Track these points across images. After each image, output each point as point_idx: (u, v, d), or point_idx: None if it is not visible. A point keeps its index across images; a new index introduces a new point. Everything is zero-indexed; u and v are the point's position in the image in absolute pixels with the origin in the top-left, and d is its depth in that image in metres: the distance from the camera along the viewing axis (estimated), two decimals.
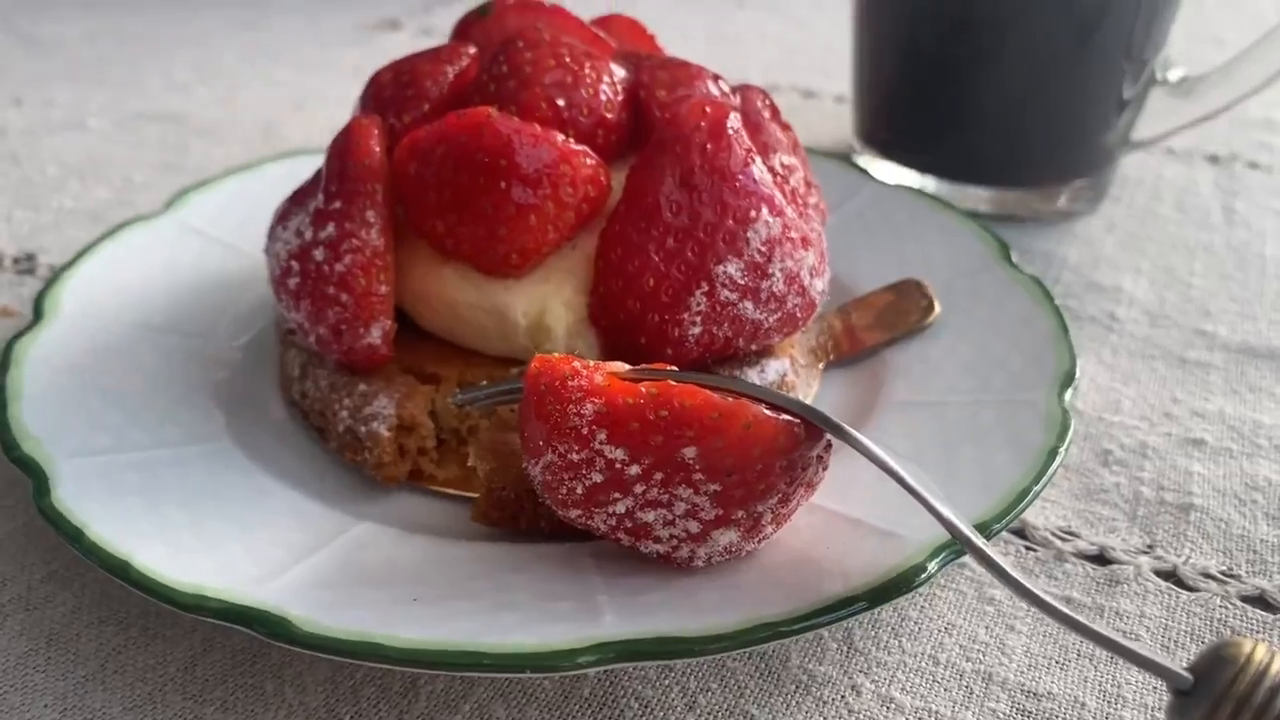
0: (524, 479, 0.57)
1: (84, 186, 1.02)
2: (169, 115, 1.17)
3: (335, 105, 1.18)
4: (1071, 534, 0.64)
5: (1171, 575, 0.62)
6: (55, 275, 0.75)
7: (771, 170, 0.65)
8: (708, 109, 0.61)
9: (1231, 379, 0.77)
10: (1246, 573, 0.62)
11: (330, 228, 0.62)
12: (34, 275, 0.88)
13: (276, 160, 0.90)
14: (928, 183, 0.96)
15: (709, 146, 0.61)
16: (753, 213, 0.61)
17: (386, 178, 0.63)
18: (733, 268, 0.61)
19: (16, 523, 0.65)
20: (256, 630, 0.50)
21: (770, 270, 0.62)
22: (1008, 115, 0.92)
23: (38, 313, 0.71)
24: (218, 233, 0.83)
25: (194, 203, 0.85)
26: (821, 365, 0.73)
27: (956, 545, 0.54)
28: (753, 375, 0.65)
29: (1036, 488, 0.57)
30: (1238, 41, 0.91)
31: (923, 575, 0.52)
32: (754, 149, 0.62)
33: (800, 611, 0.50)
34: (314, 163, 0.76)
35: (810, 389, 0.71)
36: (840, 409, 0.68)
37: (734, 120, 0.62)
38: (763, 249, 0.61)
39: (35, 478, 0.58)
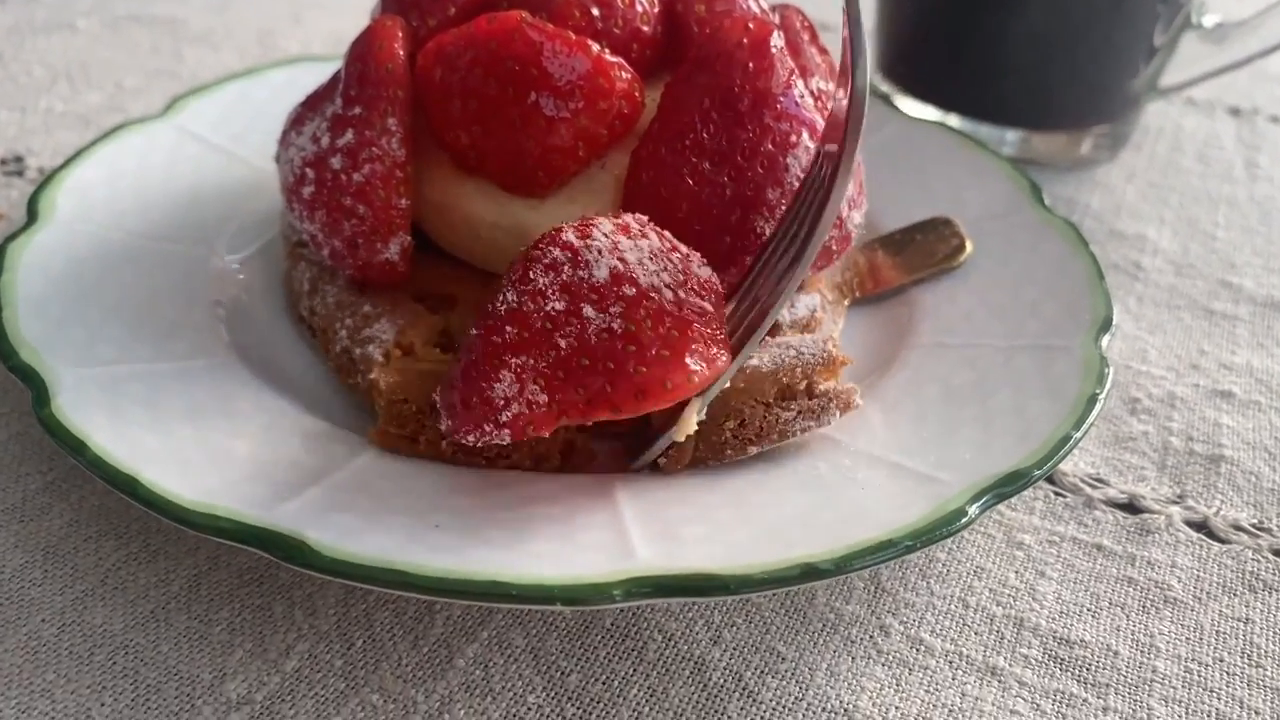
0: (427, 392, 0.54)
1: (73, 89, 0.98)
2: (161, 20, 1.12)
3: (335, 17, 1.13)
4: (1101, 481, 0.63)
5: (1203, 526, 0.61)
6: (50, 176, 0.71)
7: (813, 94, 0.62)
8: (750, 25, 0.58)
9: (1258, 333, 0.76)
10: (1278, 526, 0.61)
11: (349, 134, 0.59)
12: (23, 178, 0.84)
13: (279, 66, 0.86)
14: (948, 121, 0.94)
15: (751, 65, 0.58)
16: (793, 138, 0.59)
17: (409, 84, 0.60)
18: (770, 195, 0.58)
19: (10, 432, 0.62)
20: (273, 553, 0.48)
21: None
22: (1035, 54, 0.90)
23: (31, 214, 0.67)
24: (219, 140, 0.79)
25: (194, 108, 0.81)
26: (847, 302, 0.71)
27: (997, 489, 0.52)
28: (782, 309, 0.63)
29: (1077, 434, 0.56)
30: None
31: (963, 519, 0.51)
32: (796, 70, 0.60)
33: (840, 553, 0.49)
34: (319, 70, 0.72)
35: (836, 326, 0.68)
36: (867, 348, 0.66)
37: (777, 39, 0.59)
38: (801, 177, 0.59)
39: (34, 387, 0.55)
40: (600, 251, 0.52)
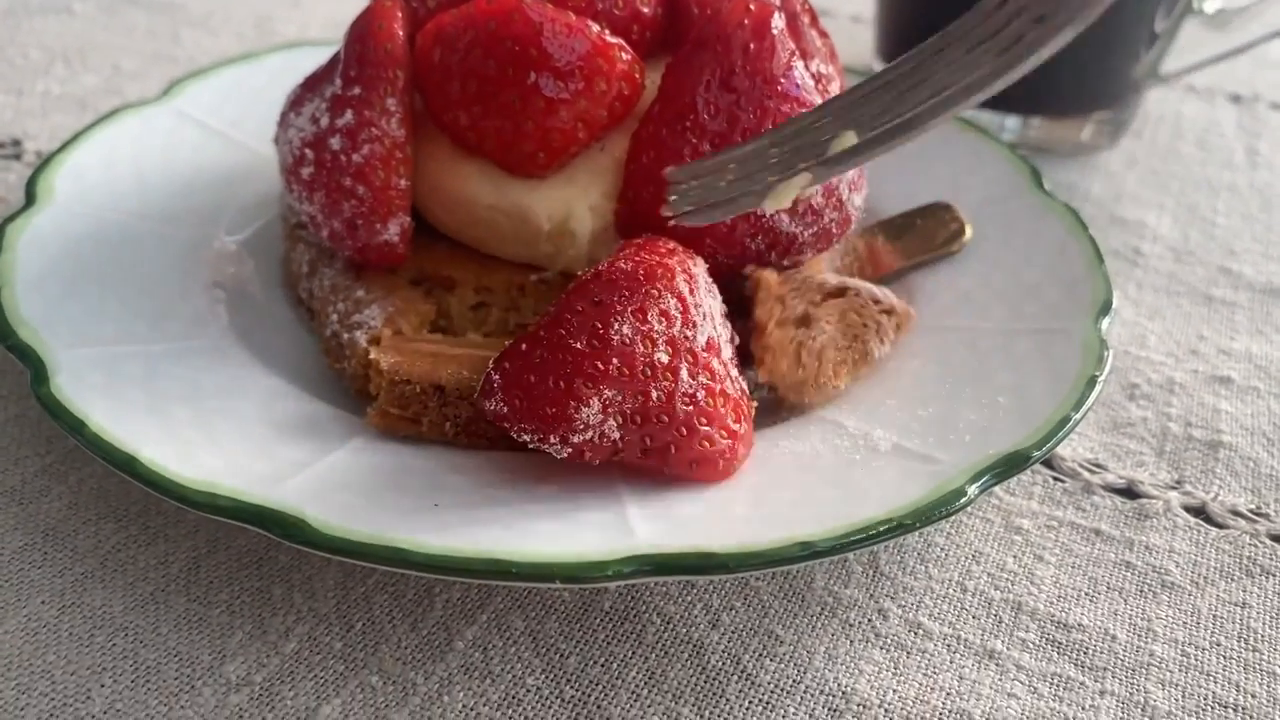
0: (431, 373, 0.54)
1: (70, 72, 0.98)
2: (159, 3, 1.11)
3: (333, 1, 1.13)
4: (1099, 466, 0.63)
5: (1200, 512, 0.61)
6: (48, 159, 0.71)
7: (813, 76, 0.62)
8: (751, 7, 0.58)
9: (1257, 319, 0.76)
10: (1275, 511, 0.61)
11: (348, 115, 0.59)
12: (20, 161, 0.84)
13: (277, 51, 0.86)
14: None
15: (751, 47, 0.58)
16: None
17: (408, 65, 0.60)
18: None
19: (9, 414, 0.62)
20: (272, 531, 0.48)
21: None
22: None
23: (30, 196, 0.67)
24: (217, 124, 0.79)
25: (192, 91, 0.81)
26: None
27: (997, 470, 0.52)
28: None
29: (1076, 416, 0.55)
30: None
31: (962, 499, 0.51)
32: (796, 52, 0.59)
33: (839, 532, 0.49)
34: (317, 54, 0.72)
35: None
36: None
37: (778, 21, 0.59)
38: None
39: (33, 366, 0.55)
40: (704, 315, 0.53)
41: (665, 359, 0.51)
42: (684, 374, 0.51)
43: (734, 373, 0.55)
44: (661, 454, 0.52)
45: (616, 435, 0.51)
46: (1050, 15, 0.48)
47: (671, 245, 0.54)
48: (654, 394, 0.51)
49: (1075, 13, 0.48)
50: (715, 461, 0.52)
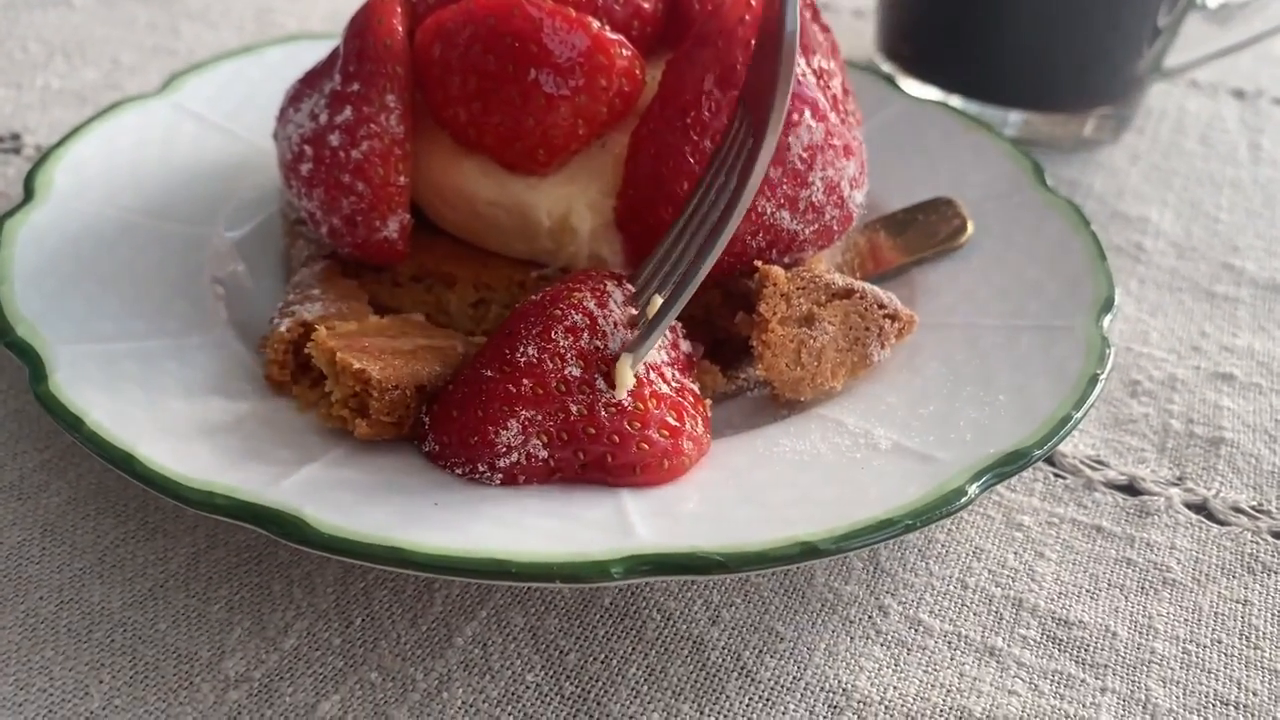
0: (416, 373, 0.54)
1: (70, 66, 0.97)
2: None
3: None
4: (1100, 463, 0.63)
5: (1202, 508, 0.61)
6: (46, 153, 0.70)
7: (815, 73, 0.62)
8: (752, 2, 0.58)
9: (1259, 315, 0.76)
10: (1277, 508, 0.61)
11: (347, 111, 0.58)
12: (20, 155, 0.84)
13: (276, 44, 0.86)
14: (951, 101, 0.93)
15: (752, 43, 0.58)
16: (795, 116, 0.58)
17: (408, 61, 0.59)
18: (771, 174, 0.58)
19: (7, 410, 0.62)
20: (270, 530, 0.48)
21: (810, 179, 0.59)
22: (1039, 35, 0.89)
23: (28, 191, 0.67)
24: (216, 118, 0.78)
25: (190, 85, 0.80)
26: None
27: (998, 469, 0.52)
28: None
29: (1078, 414, 0.55)
30: None
31: (963, 499, 0.50)
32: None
33: (839, 532, 0.48)
34: (315, 48, 0.72)
35: None
36: None
37: None
38: (804, 155, 0.58)
39: (31, 363, 0.55)
40: (615, 325, 0.53)
41: (577, 372, 0.52)
42: (600, 384, 0.52)
43: (671, 373, 0.55)
44: (599, 465, 0.52)
45: (544, 454, 0.52)
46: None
47: (588, 272, 0.56)
48: (573, 409, 0.52)
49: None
50: (659, 462, 0.52)
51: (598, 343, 0.53)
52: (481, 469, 0.52)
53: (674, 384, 0.55)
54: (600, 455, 0.52)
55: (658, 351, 0.55)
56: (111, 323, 0.59)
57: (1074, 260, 0.67)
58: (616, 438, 0.52)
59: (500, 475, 0.52)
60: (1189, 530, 0.59)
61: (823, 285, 0.59)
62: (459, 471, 0.52)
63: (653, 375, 0.54)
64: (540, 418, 0.52)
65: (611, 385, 0.52)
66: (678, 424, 0.53)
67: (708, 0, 0.62)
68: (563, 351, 0.52)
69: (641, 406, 0.52)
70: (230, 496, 0.49)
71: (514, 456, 0.52)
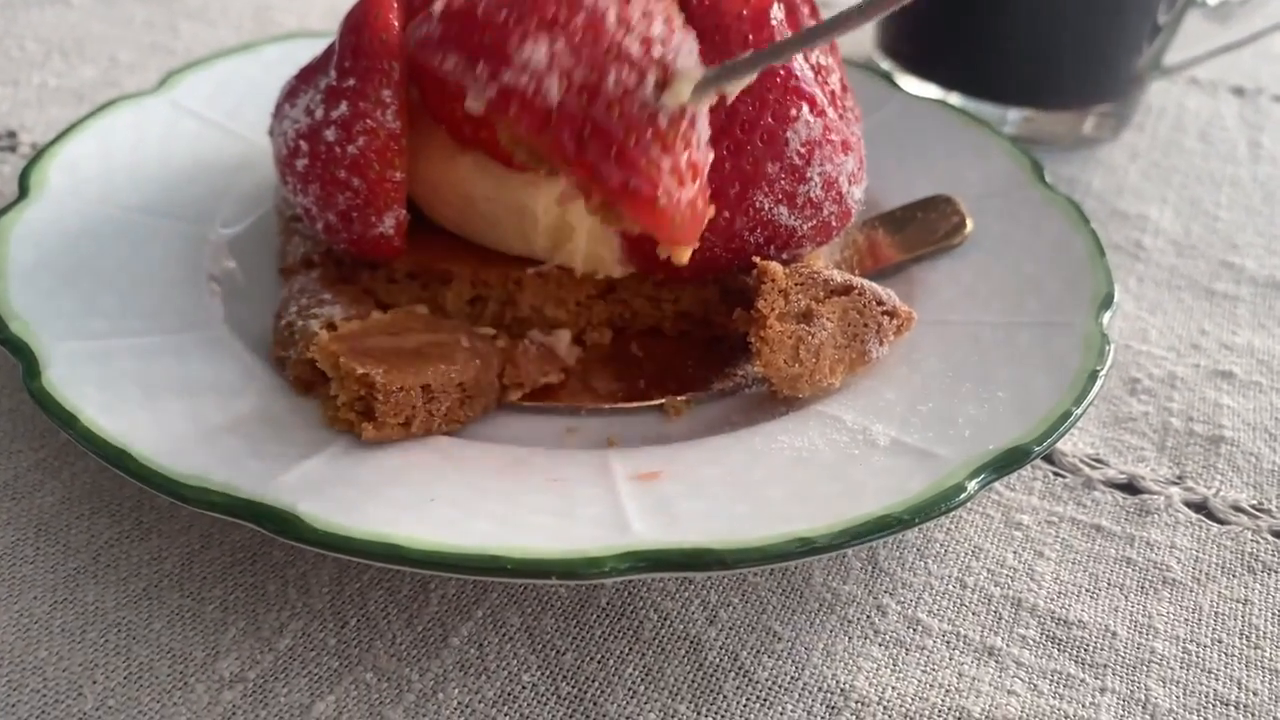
0: (421, 372, 0.54)
1: (68, 64, 0.97)
2: None
3: None
4: (1100, 462, 0.63)
5: (1202, 507, 0.60)
6: (42, 151, 0.70)
7: (813, 68, 0.62)
8: None
9: (1259, 313, 0.76)
10: (1277, 507, 0.60)
11: (343, 106, 0.58)
12: (15, 153, 0.83)
13: (274, 42, 0.85)
14: (950, 99, 0.93)
15: (750, 38, 0.57)
16: (793, 111, 0.58)
17: (404, 56, 0.59)
18: (769, 169, 0.58)
19: (1, 407, 0.61)
20: (265, 527, 0.47)
21: (808, 174, 0.59)
22: (1038, 32, 0.89)
23: (23, 189, 0.67)
24: (213, 115, 0.78)
25: (187, 83, 0.80)
26: None
27: (997, 466, 0.52)
28: None
29: (1077, 410, 0.55)
30: None
31: (962, 495, 0.50)
32: None
33: (837, 528, 0.48)
34: (315, 45, 0.71)
35: None
36: None
37: (777, 11, 0.58)
38: (802, 151, 0.58)
39: (25, 360, 0.54)
40: (691, 47, 0.47)
41: (637, 51, 0.45)
42: (649, 81, 0.45)
43: (702, 154, 0.48)
44: (600, 152, 0.45)
45: (554, 99, 0.45)
46: None
47: None
48: (611, 80, 0.45)
49: None
50: (652, 197, 0.45)
51: (668, 48, 0.46)
52: (478, 72, 0.45)
53: (704, 158, 0.48)
54: (606, 145, 0.45)
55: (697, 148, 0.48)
56: (106, 320, 0.59)
57: (1073, 257, 0.67)
58: (634, 138, 0.45)
59: (491, 94, 0.45)
60: (1189, 529, 0.59)
61: (821, 282, 0.59)
62: (448, 66, 0.46)
63: (697, 128, 0.47)
64: (573, 63, 0.45)
65: (662, 89, 0.45)
66: (693, 181, 0.47)
67: None
68: (634, 25, 0.46)
69: (672, 135, 0.46)
70: (226, 493, 0.49)
71: (523, 79, 0.45)
